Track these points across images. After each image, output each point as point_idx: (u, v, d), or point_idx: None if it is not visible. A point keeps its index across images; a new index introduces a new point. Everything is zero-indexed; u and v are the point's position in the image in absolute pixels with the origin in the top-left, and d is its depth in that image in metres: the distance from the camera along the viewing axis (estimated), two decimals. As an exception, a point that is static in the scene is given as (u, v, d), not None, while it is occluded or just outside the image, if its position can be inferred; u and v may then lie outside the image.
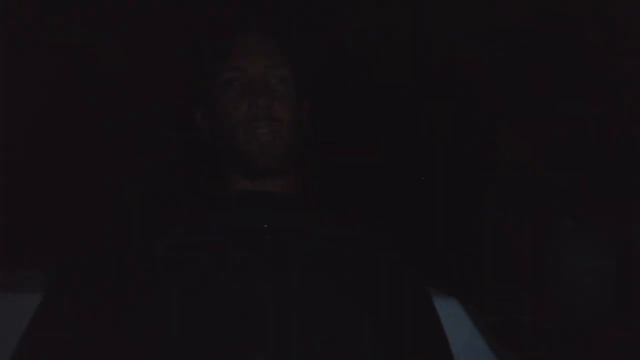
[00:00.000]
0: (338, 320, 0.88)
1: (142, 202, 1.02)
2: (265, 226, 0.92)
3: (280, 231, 0.93)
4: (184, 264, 0.88)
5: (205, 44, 1.01)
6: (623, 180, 4.68)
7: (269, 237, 0.91)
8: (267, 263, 0.90)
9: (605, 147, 4.51)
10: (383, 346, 0.91)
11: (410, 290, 0.97)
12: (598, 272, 5.01)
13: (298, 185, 1.00)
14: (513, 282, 4.70)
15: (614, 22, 3.90)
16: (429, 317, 0.97)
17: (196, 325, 0.85)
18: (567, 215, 4.88)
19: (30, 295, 1.23)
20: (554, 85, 4.17)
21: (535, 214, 4.79)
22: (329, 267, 0.92)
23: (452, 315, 1.27)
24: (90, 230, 0.96)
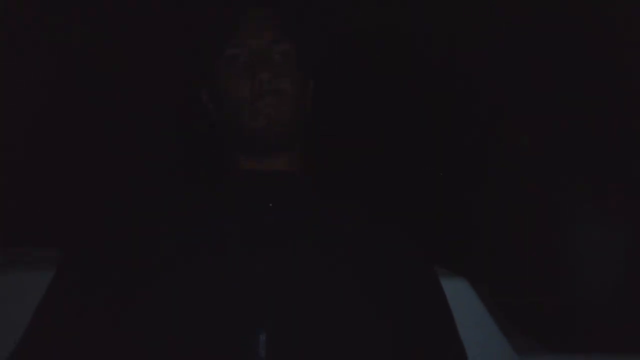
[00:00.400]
0: (340, 299, 0.88)
1: (147, 182, 1.02)
2: (271, 205, 0.92)
3: (284, 210, 0.92)
4: (187, 244, 0.88)
5: (209, 22, 1.00)
6: (635, 163, 4.64)
7: (273, 216, 0.91)
8: (271, 242, 0.89)
9: (613, 131, 4.47)
10: (386, 325, 0.90)
11: (414, 269, 0.96)
12: (610, 254, 4.99)
13: (302, 164, 1.00)
14: (525, 265, 4.69)
15: (614, 12, 3.84)
16: (433, 296, 0.96)
17: (199, 303, 0.85)
18: (578, 198, 4.86)
19: (34, 273, 1.24)
20: (559, 74, 4.13)
21: (547, 196, 4.76)
22: (332, 246, 0.91)
23: (461, 295, 1.26)
24: (95, 211, 0.96)
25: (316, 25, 1.01)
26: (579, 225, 5.01)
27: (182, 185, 0.97)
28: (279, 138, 0.93)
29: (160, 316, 0.84)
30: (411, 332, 0.92)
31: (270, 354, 0.82)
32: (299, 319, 0.85)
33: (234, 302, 0.85)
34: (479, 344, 1.19)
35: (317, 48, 1.01)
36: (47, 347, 0.87)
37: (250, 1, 0.96)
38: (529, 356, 1.42)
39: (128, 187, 0.99)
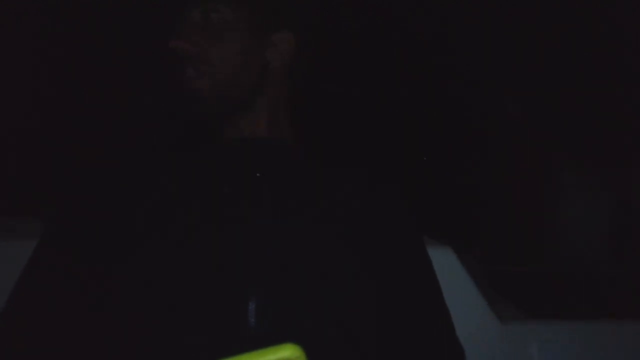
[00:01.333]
0: (329, 267, 0.88)
1: (131, 150, 1.00)
2: (258, 175, 0.91)
3: (271, 177, 0.91)
4: (175, 213, 0.87)
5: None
6: (621, 130, 4.66)
7: (259, 184, 0.90)
8: (259, 210, 0.89)
9: (601, 99, 4.48)
10: (374, 292, 0.90)
11: (403, 236, 0.96)
12: (596, 221, 5.04)
13: (289, 130, 0.98)
14: (511, 232, 4.73)
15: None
16: (421, 264, 0.97)
17: (187, 271, 0.84)
18: (564, 165, 4.88)
19: (26, 242, 1.23)
20: (553, 47, 4.11)
21: (534, 164, 4.78)
22: (322, 213, 0.91)
23: (445, 264, 1.27)
24: (83, 177, 0.95)
25: None
26: (567, 194, 5.05)
27: (167, 152, 0.95)
28: (214, 104, 0.92)
29: (148, 285, 0.84)
30: (398, 299, 0.92)
31: (260, 321, 0.82)
32: (289, 287, 0.85)
33: (224, 271, 0.85)
34: (463, 312, 1.20)
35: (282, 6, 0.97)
36: (31, 314, 0.86)
37: None
38: (511, 323, 1.43)
39: (112, 154, 0.98)
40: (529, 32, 4.05)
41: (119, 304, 0.85)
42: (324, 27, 1.02)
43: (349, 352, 0.87)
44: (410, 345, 0.94)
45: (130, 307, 0.84)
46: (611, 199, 5.06)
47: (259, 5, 0.94)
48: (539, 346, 1.44)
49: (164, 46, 0.94)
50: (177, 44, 0.89)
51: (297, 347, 0.56)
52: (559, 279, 3.87)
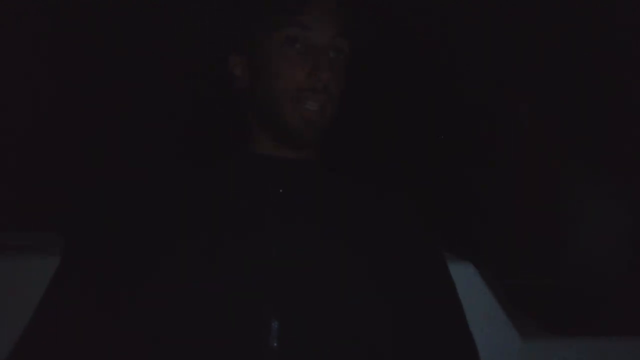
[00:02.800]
0: (350, 284, 0.87)
1: (157, 163, 1.01)
2: (280, 191, 0.91)
3: (297, 196, 0.91)
4: (198, 229, 0.87)
5: None
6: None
7: (286, 202, 0.90)
8: (284, 228, 0.88)
9: (619, 105, 4.43)
10: (395, 310, 0.89)
11: (424, 253, 0.96)
12: (618, 233, 4.97)
13: (318, 148, 0.99)
14: (531, 245, 4.68)
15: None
16: (442, 281, 0.96)
17: (210, 290, 0.84)
18: (583, 176, 4.83)
19: (45, 258, 1.23)
20: (565, 51, 4.08)
21: (553, 175, 4.74)
22: (345, 232, 0.90)
23: (466, 280, 1.25)
24: (103, 193, 0.95)
25: (369, 26, 0.98)
26: (585, 207, 4.98)
27: (193, 166, 0.95)
28: (313, 138, 0.91)
29: (171, 302, 0.84)
30: (420, 318, 0.91)
31: (282, 341, 0.82)
32: (311, 309, 0.84)
33: (246, 290, 0.84)
34: (484, 328, 1.18)
35: (364, 49, 0.99)
36: (55, 333, 0.86)
37: None
38: (532, 340, 1.41)
39: (136, 168, 0.98)
40: (544, 37, 4.02)
41: (142, 323, 0.84)
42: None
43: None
44: (431, 363, 0.92)
45: (153, 327, 0.84)
46: (631, 210, 4.99)
47: (358, 39, 0.94)
48: (561, 363, 1.42)
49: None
50: (328, 77, 0.87)
51: None
52: (580, 293, 3.80)
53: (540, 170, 4.73)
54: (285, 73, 0.88)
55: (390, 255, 0.92)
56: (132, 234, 0.88)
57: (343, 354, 0.84)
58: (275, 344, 0.82)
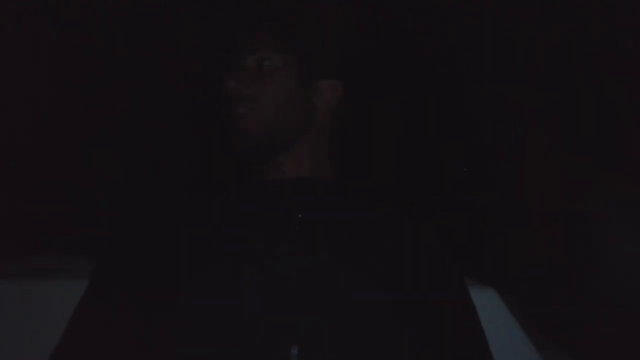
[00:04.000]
0: (370, 312, 0.87)
1: (175, 190, 1.03)
2: (300, 216, 0.92)
3: (313, 219, 0.92)
4: (219, 254, 0.88)
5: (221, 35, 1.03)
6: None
7: (301, 226, 0.91)
8: (301, 253, 0.89)
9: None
10: (417, 339, 0.89)
11: (445, 280, 0.95)
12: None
13: (333, 170, 1.00)
14: (555, 272, 4.60)
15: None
16: (464, 308, 0.95)
17: (230, 316, 0.85)
18: (609, 199, 4.75)
19: (64, 282, 1.26)
20: (579, 67, 4.03)
21: (576, 201, 4.67)
22: (362, 256, 0.91)
23: (489, 306, 1.24)
24: (126, 220, 0.97)
25: (319, 28, 1.01)
26: (612, 230, 4.89)
27: (208, 194, 0.97)
28: (260, 147, 0.94)
29: (191, 328, 0.85)
30: (442, 346, 0.91)
31: None
32: (331, 334, 0.85)
33: (266, 315, 0.85)
34: (508, 357, 1.17)
35: (325, 50, 1.01)
36: (82, 351, 0.88)
37: (242, 43, 0.98)
38: (559, 368, 1.39)
39: (157, 196, 1.00)
40: (561, 55, 4.00)
41: (162, 348, 0.86)
42: (367, 75, 1.05)
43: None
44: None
45: (174, 352, 0.85)
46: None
47: (308, 53, 0.97)
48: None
49: (217, 88, 0.98)
50: (232, 85, 0.93)
51: None
52: (607, 319, 3.73)
53: (569, 197, 4.66)
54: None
55: (411, 282, 0.91)
56: (153, 261, 0.89)
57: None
58: None
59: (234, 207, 0.94)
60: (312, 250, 0.89)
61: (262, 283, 0.86)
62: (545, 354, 1.38)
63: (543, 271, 4.50)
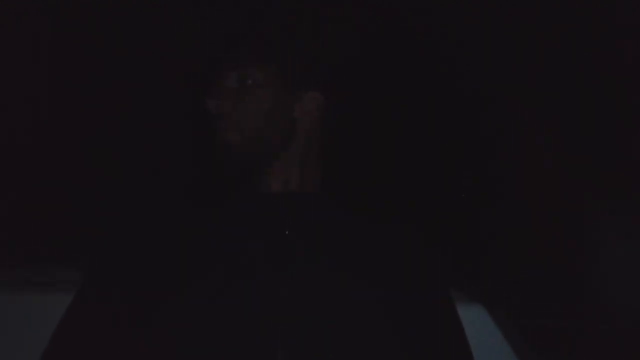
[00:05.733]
0: (358, 320, 0.88)
1: (167, 200, 1.04)
2: (287, 232, 0.93)
3: (302, 231, 0.93)
4: (206, 266, 0.89)
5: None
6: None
7: (290, 239, 0.92)
8: (290, 265, 0.90)
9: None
10: (403, 349, 0.90)
11: (431, 292, 0.96)
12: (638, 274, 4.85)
13: (318, 181, 1.01)
14: (547, 284, 4.59)
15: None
16: (449, 322, 0.96)
17: (218, 325, 0.86)
18: (605, 209, 4.73)
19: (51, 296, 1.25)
20: (584, 73, 4.04)
21: (570, 211, 4.66)
22: (350, 266, 0.92)
23: (477, 322, 1.24)
24: (114, 227, 0.98)
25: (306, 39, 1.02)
26: (608, 242, 4.86)
27: (198, 205, 0.99)
28: (242, 160, 0.95)
29: (179, 337, 0.85)
30: (427, 357, 0.91)
31: None
32: (317, 341, 0.86)
33: (253, 325, 0.86)
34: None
35: (310, 63, 1.02)
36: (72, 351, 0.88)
37: (227, 63, 1.00)
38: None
39: (148, 206, 1.01)
40: (561, 55, 3.99)
41: (159, 349, 0.86)
42: (352, 85, 1.06)
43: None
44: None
45: (171, 353, 0.86)
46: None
47: (288, 66, 0.98)
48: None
49: (199, 104, 0.99)
50: (212, 102, 0.94)
51: None
52: (600, 335, 3.72)
53: (560, 204, 4.64)
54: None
55: (397, 293, 0.93)
56: (150, 263, 0.90)
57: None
58: None
59: (222, 219, 0.95)
60: (300, 262, 0.91)
61: (248, 293, 0.88)
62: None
63: (537, 281, 4.47)
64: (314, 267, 0.90)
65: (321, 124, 1.00)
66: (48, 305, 1.20)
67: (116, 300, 0.90)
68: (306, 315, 0.86)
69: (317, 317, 0.87)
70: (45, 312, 1.16)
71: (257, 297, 0.87)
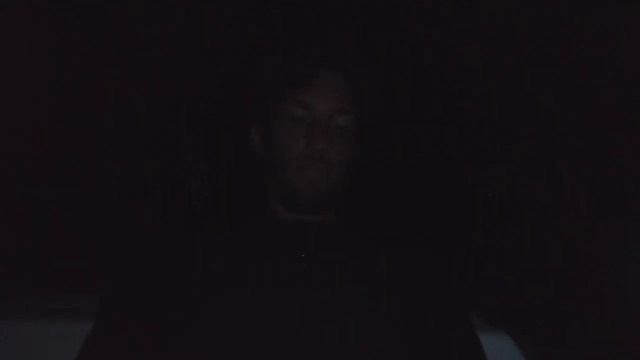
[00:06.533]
0: (375, 346, 0.88)
1: (185, 225, 1.05)
2: (303, 255, 0.93)
3: (318, 259, 0.93)
4: (224, 289, 0.90)
5: (276, 69, 1.04)
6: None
7: (307, 265, 0.92)
8: (306, 289, 0.90)
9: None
10: None
11: (452, 319, 0.95)
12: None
13: (339, 211, 1.01)
14: (575, 313, 4.51)
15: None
16: (469, 347, 0.95)
17: (237, 347, 0.86)
18: (629, 240, 4.65)
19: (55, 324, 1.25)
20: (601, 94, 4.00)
21: (599, 237, 4.59)
22: (369, 293, 0.92)
23: (503, 352, 1.21)
24: (135, 253, 0.99)
25: (379, 95, 1.05)
26: (634, 273, 4.78)
27: (218, 230, 0.99)
28: (317, 201, 0.97)
29: (201, 355, 0.86)
30: None
31: None
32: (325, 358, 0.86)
33: (269, 346, 0.86)
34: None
35: (374, 118, 1.05)
36: None
37: (324, 62, 1.00)
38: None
39: (166, 231, 1.02)
40: (562, 55, 3.95)
41: None
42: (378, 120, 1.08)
43: None
44: None
45: None
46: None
47: (365, 110, 1.01)
48: None
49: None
50: (320, 146, 0.95)
51: None
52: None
53: (587, 233, 4.57)
54: (286, 144, 0.98)
55: (416, 318, 0.92)
56: (168, 286, 0.91)
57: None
58: None
59: (238, 243, 0.96)
60: (317, 287, 0.91)
61: (267, 317, 0.88)
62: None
63: (563, 308, 4.39)
64: (331, 292, 0.91)
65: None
66: (72, 333, 1.20)
67: (136, 325, 0.90)
68: (324, 338, 0.86)
69: (334, 340, 0.87)
70: (69, 340, 1.16)
71: (275, 319, 0.87)
